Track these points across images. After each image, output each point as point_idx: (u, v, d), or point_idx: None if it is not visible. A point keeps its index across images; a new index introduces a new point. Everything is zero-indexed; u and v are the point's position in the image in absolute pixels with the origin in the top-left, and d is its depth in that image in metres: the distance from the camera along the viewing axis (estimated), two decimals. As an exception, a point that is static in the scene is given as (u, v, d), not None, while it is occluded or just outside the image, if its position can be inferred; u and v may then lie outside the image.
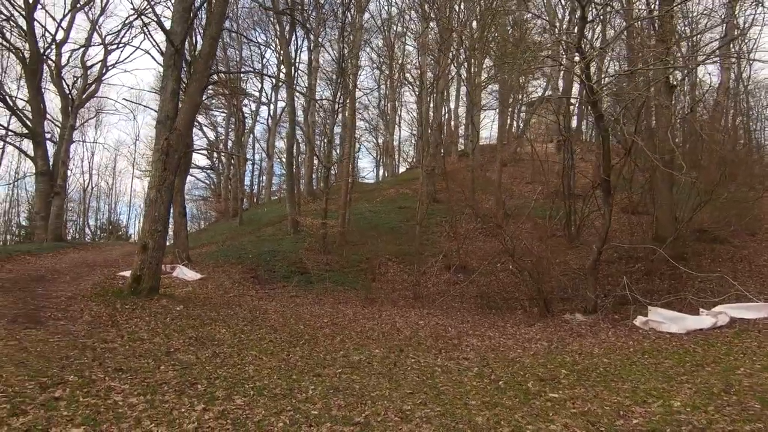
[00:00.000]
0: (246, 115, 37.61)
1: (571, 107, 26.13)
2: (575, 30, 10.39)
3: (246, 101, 35.20)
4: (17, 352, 4.32)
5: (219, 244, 17.71)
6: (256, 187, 42.92)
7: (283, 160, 41.28)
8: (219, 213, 37.09)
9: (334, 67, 21.09)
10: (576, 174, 22.90)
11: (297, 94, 19.36)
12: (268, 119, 36.61)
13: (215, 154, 39.60)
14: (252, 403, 3.66)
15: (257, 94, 34.74)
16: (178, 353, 5.00)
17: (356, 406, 3.75)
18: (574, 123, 25.22)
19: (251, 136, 35.47)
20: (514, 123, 31.53)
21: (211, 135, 39.02)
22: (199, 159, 38.27)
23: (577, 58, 8.71)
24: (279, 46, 22.42)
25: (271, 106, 35.34)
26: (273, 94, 34.52)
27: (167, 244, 11.01)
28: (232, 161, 35.41)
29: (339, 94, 16.11)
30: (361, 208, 22.60)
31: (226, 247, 16.99)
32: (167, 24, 8.82)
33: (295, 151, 25.47)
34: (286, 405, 3.65)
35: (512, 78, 23.61)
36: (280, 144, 42.37)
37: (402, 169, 39.69)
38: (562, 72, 22.67)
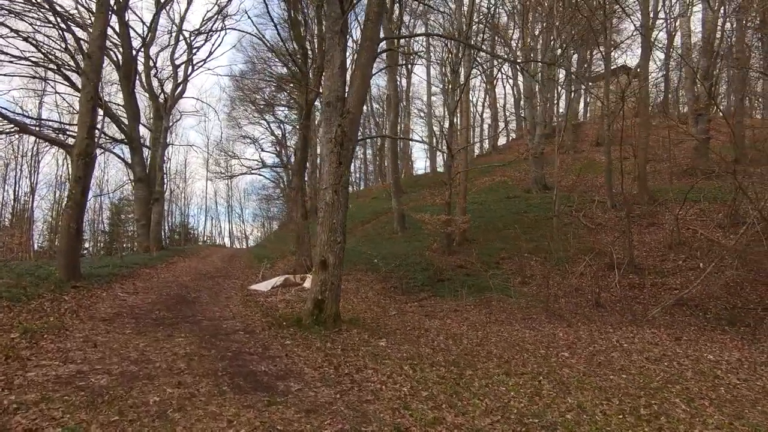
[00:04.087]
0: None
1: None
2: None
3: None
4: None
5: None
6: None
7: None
8: (296, 211, 36.01)
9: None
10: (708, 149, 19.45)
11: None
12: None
13: (283, 151, 38.63)
14: None
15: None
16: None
17: None
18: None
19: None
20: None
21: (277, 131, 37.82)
22: (266, 157, 37.22)
23: None
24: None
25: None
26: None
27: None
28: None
29: (460, 67, 13.89)
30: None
31: (339, 251, 15.42)
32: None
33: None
34: None
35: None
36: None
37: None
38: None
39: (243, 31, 29.61)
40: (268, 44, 13.57)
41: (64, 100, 20.30)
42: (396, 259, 13.35)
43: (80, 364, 4.26)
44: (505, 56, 12.42)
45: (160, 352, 4.84)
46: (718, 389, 4.63)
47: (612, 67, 22.95)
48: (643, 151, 16.08)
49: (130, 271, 11.54)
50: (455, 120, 14.33)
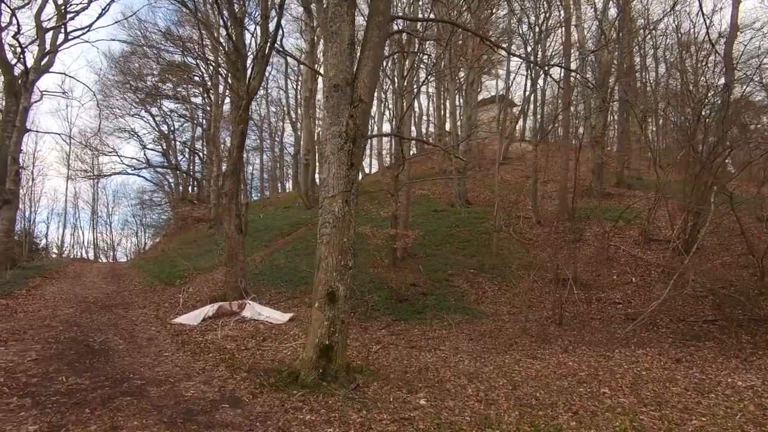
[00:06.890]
0: (198, 105, 32.20)
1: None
2: None
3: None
4: None
5: (257, 264, 13.79)
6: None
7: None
8: (183, 221, 31.18)
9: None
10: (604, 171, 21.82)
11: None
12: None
13: (170, 150, 33.63)
14: None
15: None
16: None
17: None
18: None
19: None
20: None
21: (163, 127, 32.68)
22: (153, 155, 31.80)
23: None
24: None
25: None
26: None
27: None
28: (202, 158, 29.95)
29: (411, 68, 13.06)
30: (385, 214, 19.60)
31: (269, 268, 13.18)
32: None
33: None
34: None
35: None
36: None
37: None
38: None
39: None
40: (199, 18, 10.96)
41: None
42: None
43: None
44: (523, 56, 11.92)
45: (122, 471, 2.78)
46: None
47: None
48: (563, 172, 17.22)
49: (-24, 303, 8.03)
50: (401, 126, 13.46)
